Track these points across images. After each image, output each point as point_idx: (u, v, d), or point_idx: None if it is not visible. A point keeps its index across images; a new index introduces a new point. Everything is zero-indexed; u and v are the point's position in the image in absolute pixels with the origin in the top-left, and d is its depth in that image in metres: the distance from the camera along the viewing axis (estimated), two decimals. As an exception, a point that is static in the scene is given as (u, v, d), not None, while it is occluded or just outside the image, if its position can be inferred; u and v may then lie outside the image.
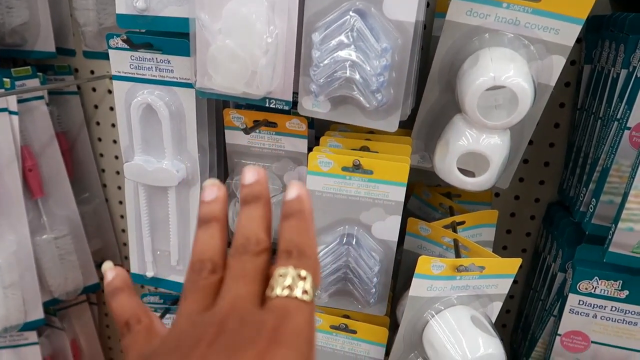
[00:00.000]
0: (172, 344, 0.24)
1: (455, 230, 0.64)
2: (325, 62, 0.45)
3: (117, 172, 0.91)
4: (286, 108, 0.51)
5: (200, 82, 0.50)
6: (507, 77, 0.47)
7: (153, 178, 0.58)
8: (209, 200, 0.29)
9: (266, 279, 0.25)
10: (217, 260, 0.27)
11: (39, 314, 0.79)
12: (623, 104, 0.54)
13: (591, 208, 0.58)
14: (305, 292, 0.24)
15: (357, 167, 0.51)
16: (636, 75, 0.52)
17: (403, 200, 0.52)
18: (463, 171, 0.54)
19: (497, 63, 0.48)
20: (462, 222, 0.66)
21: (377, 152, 0.56)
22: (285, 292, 0.24)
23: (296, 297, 0.24)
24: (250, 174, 0.29)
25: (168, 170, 0.58)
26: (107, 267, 0.31)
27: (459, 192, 0.74)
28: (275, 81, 0.48)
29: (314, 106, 0.50)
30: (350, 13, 0.45)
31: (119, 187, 0.92)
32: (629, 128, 0.53)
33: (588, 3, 0.47)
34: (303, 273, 0.25)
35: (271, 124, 0.58)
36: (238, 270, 0.26)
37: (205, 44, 0.48)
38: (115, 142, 0.89)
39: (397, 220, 0.53)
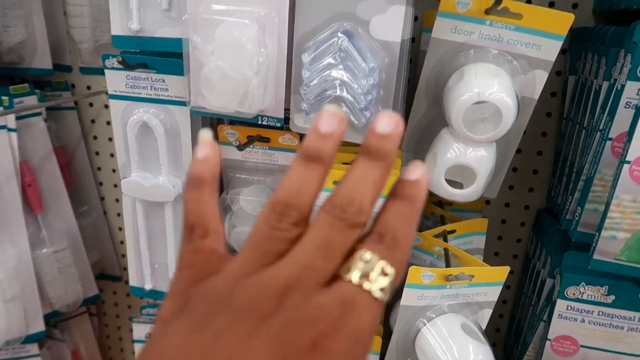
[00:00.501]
0: (224, 297, 0.21)
1: (446, 239, 0.65)
2: (315, 81, 0.46)
3: (115, 185, 0.92)
4: (278, 125, 0.52)
5: (194, 101, 0.52)
6: (491, 92, 0.48)
7: (150, 194, 0.60)
8: (325, 133, 0.23)
9: (348, 255, 0.22)
10: (305, 212, 0.23)
11: (39, 326, 0.80)
12: (605, 115, 0.56)
13: (577, 216, 0.59)
14: (382, 289, 0.21)
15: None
16: (616, 88, 0.54)
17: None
18: (451, 182, 0.56)
19: (481, 79, 0.50)
20: (453, 231, 0.68)
21: (367, 165, 0.57)
22: (361, 282, 0.21)
23: (369, 292, 0.21)
24: (386, 121, 0.23)
25: (164, 186, 0.59)
26: (205, 137, 0.25)
27: (449, 201, 0.76)
28: (267, 100, 0.50)
29: (306, 123, 0.51)
30: (339, 34, 0.46)
31: (117, 200, 0.93)
32: (610, 139, 0.55)
33: (567, 20, 0.49)
34: (388, 269, 0.21)
35: (264, 139, 0.60)
36: (324, 238, 0.22)
37: (198, 64, 0.50)
38: (112, 155, 0.90)
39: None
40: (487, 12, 0.50)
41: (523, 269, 0.81)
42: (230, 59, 0.47)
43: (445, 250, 0.60)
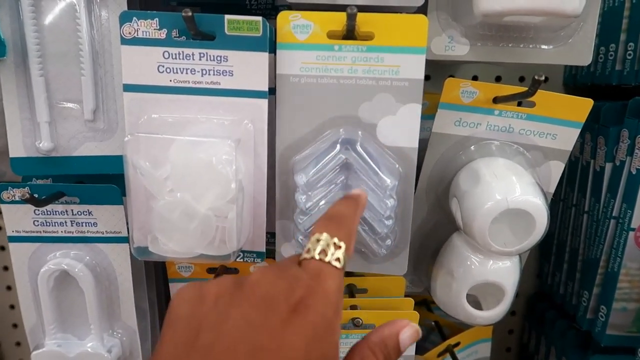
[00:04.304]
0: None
1: (453, 354, 0.55)
2: (323, 205, 0.35)
3: (18, 344, 0.71)
4: (258, 261, 0.39)
5: (139, 240, 0.37)
6: (519, 197, 0.40)
7: (76, 367, 0.43)
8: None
9: None
10: None
11: None
12: (618, 201, 0.50)
13: (602, 316, 0.52)
14: (337, 259, 0.25)
15: (357, 325, 0.40)
16: (630, 172, 0.49)
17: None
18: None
19: (502, 180, 0.41)
20: (457, 344, 0.57)
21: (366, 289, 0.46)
22: (321, 257, 0.25)
23: (329, 263, 0.25)
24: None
25: (96, 354, 0.42)
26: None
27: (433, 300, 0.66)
28: (244, 233, 0.37)
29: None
30: (338, 145, 0.35)
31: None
32: (633, 229, 0.49)
33: (586, 105, 0.43)
34: (338, 241, 0.25)
35: (230, 271, 0.46)
36: None
37: (142, 192, 0.36)
38: (12, 307, 0.69)
39: None
40: (495, 100, 0.43)
41: (520, 364, 0.72)
42: (194, 187, 0.34)
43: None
